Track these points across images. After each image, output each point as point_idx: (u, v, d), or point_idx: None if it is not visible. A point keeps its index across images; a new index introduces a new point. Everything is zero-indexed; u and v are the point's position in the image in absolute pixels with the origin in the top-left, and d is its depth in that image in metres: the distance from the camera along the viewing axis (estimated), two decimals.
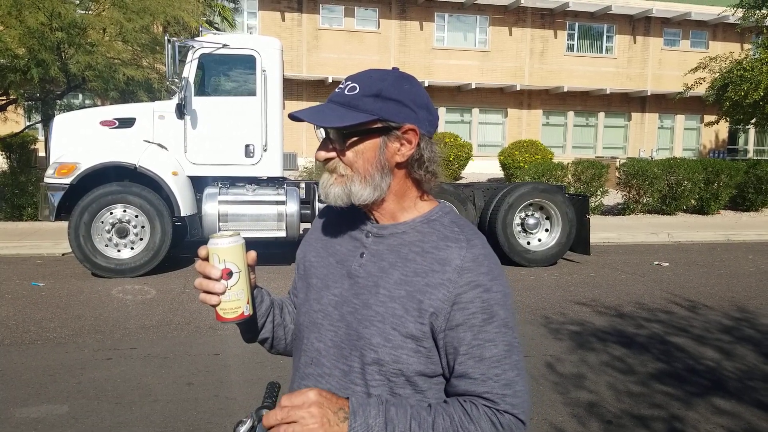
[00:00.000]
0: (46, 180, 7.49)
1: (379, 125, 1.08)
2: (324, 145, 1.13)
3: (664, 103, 25.54)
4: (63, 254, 8.81)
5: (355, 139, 1.09)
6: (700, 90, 19.41)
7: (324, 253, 1.22)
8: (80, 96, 15.90)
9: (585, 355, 4.76)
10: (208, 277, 1.10)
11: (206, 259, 1.12)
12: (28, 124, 15.04)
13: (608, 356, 4.73)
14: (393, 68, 1.17)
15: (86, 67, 10.46)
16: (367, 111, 1.07)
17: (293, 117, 1.13)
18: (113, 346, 4.88)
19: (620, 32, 25.08)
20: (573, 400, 3.89)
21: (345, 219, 1.23)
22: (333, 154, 1.11)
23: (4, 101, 12.53)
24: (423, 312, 1.06)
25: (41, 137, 13.39)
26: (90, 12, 11.43)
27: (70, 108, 13.32)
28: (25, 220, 11.72)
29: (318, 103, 1.17)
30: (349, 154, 1.10)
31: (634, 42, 25.21)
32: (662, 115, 26.07)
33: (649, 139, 25.94)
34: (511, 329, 1.11)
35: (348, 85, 1.11)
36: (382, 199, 1.13)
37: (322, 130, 1.15)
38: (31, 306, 6.05)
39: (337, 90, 1.13)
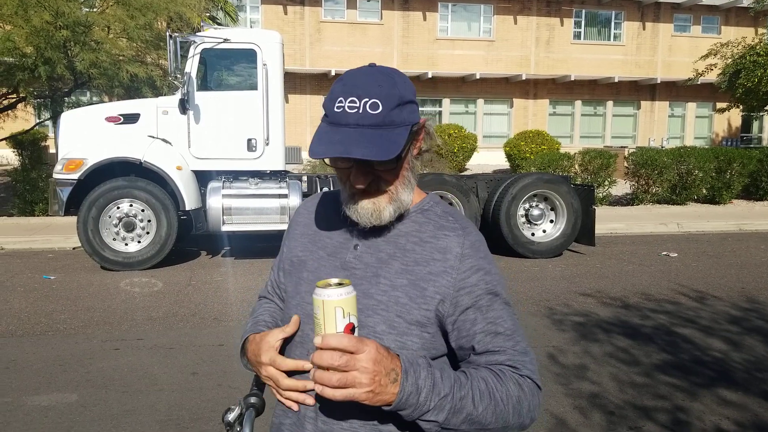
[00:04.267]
0: (55, 176, 7.58)
1: (411, 131, 1.09)
2: (362, 174, 1.08)
3: (674, 91, 25.28)
4: (73, 248, 8.91)
5: (402, 155, 1.09)
6: (712, 76, 19.20)
7: (312, 247, 1.23)
8: (88, 93, 15.98)
9: (588, 346, 4.76)
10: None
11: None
12: (37, 121, 15.15)
13: (612, 347, 4.73)
14: (370, 64, 1.14)
15: (91, 65, 10.52)
16: (402, 123, 1.06)
17: (325, 156, 1.03)
18: (121, 337, 4.95)
19: (629, 19, 24.81)
20: (575, 391, 3.90)
21: (330, 212, 1.24)
22: (372, 176, 1.09)
23: (14, 99, 12.63)
24: (428, 299, 1.10)
25: (52, 134, 13.49)
26: (94, 10, 11.47)
27: (78, 105, 13.40)
28: (37, 216, 11.86)
29: (329, 128, 1.07)
30: (400, 170, 1.11)
31: (644, 28, 24.95)
32: (673, 103, 25.79)
33: (660, 127, 25.70)
34: (511, 306, 1.17)
35: (365, 102, 1.03)
36: None
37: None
38: (43, 298, 6.14)
39: (350, 111, 1.03)
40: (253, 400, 1.24)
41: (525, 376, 1.09)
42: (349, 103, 1.04)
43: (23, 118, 14.25)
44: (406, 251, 1.14)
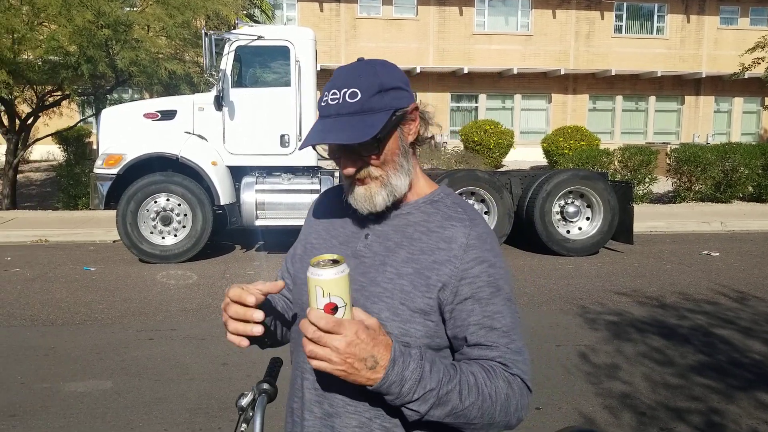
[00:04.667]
0: (95, 170, 7.82)
1: (395, 116, 1.12)
2: (349, 160, 1.13)
3: (720, 86, 24.47)
4: (114, 241, 9.16)
5: (386, 139, 1.13)
6: (759, 70, 18.50)
7: (326, 236, 1.26)
8: (129, 90, 16.41)
9: (621, 345, 4.66)
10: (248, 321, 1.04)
11: (238, 302, 1.06)
12: (81, 118, 15.63)
13: (646, 347, 4.61)
14: (359, 59, 1.18)
15: (131, 63, 10.79)
16: (382, 109, 1.10)
17: (307, 145, 1.10)
18: (155, 327, 5.07)
19: (672, 11, 24.10)
20: (605, 390, 3.82)
21: (346, 203, 1.25)
22: (360, 163, 1.13)
23: (59, 97, 13.05)
24: (431, 287, 1.10)
25: (95, 130, 13.90)
26: (134, 9, 11.76)
27: (121, 101, 13.77)
28: (80, 209, 12.23)
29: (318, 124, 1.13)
30: (381, 155, 1.13)
31: (688, 21, 24.20)
32: (718, 98, 24.96)
33: (705, 123, 24.91)
34: (514, 303, 1.15)
35: (345, 92, 1.09)
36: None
37: (323, 145, 1.17)
38: (83, 289, 6.34)
39: (331, 102, 1.10)
40: (265, 386, 1.27)
41: (515, 375, 1.09)
42: (331, 95, 1.11)
43: (68, 115, 14.71)
44: (413, 240, 1.15)
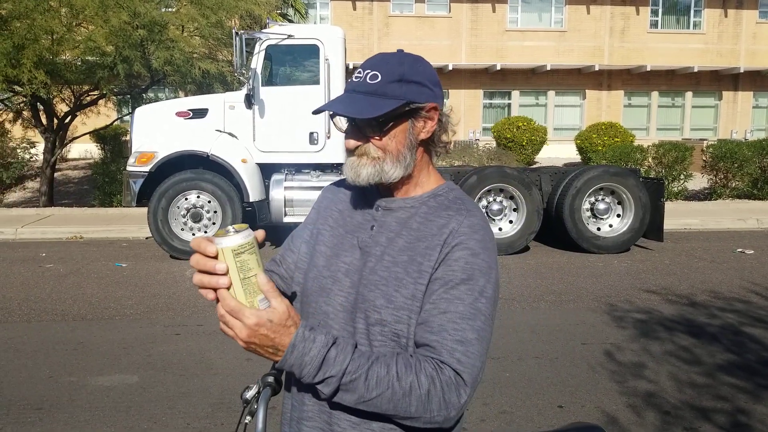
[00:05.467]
0: (128, 168, 8.00)
1: (408, 108, 1.15)
2: (354, 134, 1.18)
3: (759, 81, 23.71)
4: (146, 238, 9.36)
5: (390, 124, 1.15)
6: None
7: (334, 223, 1.28)
8: (165, 89, 16.74)
9: (648, 344, 4.58)
10: (212, 273, 1.00)
11: (212, 256, 1.01)
12: (117, 117, 16.02)
13: (673, 346, 4.53)
14: (398, 50, 1.22)
15: (166, 63, 11.01)
16: (396, 97, 1.13)
17: (321, 110, 1.19)
18: (182, 323, 5.18)
19: (709, 6, 23.45)
20: (630, 389, 3.77)
21: (356, 192, 1.29)
22: (363, 141, 1.17)
23: (96, 96, 13.39)
24: (422, 273, 1.12)
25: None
26: (170, 9, 11.99)
27: (156, 100, 14.07)
28: (115, 206, 12.53)
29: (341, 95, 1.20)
30: (384, 138, 1.16)
31: (725, 16, 23.51)
32: (757, 94, 24.19)
33: (743, 119, 24.18)
34: (487, 300, 1.11)
35: (368, 73, 1.16)
36: (407, 175, 1.20)
37: (342, 118, 1.20)
38: (113, 285, 6.51)
39: (355, 79, 1.17)
40: (270, 379, 1.29)
41: (447, 365, 1.04)
42: (356, 74, 1.19)
43: (105, 114, 15.08)
44: (412, 230, 1.18)
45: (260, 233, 1.06)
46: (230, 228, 1.02)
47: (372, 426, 1.12)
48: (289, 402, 1.26)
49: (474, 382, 1.07)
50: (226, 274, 1.00)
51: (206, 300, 1.07)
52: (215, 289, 1.01)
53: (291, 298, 1.31)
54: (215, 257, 1.00)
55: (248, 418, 1.26)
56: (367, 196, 1.26)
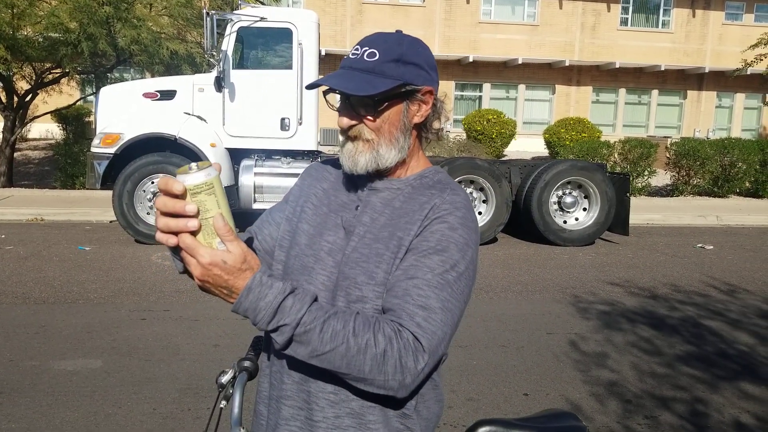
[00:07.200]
0: (93, 149, 7.79)
1: (404, 89, 1.13)
2: (347, 113, 1.14)
3: (723, 81, 24.37)
4: (110, 221, 9.17)
5: (385, 104, 1.13)
6: (762, 67, 18.43)
7: (318, 203, 1.26)
8: (131, 70, 16.34)
9: (611, 334, 4.69)
10: (179, 215, 0.95)
11: (178, 196, 0.95)
12: (80, 96, 15.57)
13: (635, 337, 4.64)
14: (396, 31, 1.19)
15: (133, 42, 10.73)
16: (392, 77, 1.11)
17: (315, 85, 1.14)
18: (148, 308, 5.09)
19: (678, 5, 23.95)
20: (593, 378, 3.85)
21: (342, 172, 1.26)
22: (356, 120, 1.14)
23: (58, 74, 12.98)
24: (401, 247, 1.11)
25: (94, 109, 13.88)
26: None
27: (121, 81, 13.72)
28: (77, 189, 12.22)
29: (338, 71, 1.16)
30: (377, 120, 1.14)
31: (693, 16, 24.05)
32: (721, 94, 24.88)
33: (706, 118, 24.85)
34: (458, 275, 1.09)
35: (365, 50, 1.13)
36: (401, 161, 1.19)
37: (335, 96, 1.18)
38: (76, 268, 6.36)
39: (352, 56, 1.14)
40: (246, 364, 1.28)
41: (406, 329, 1.02)
42: (353, 50, 1.15)
43: (68, 93, 14.66)
44: (395, 209, 1.17)
45: (217, 166, 1.00)
46: (193, 165, 0.97)
47: (351, 405, 1.12)
48: (266, 381, 1.24)
49: (433, 350, 1.03)
50: (196, 216, 0.95)
51: (168, 248, 1.02)
52: (177, 234, 0.96)
53: (254, 247, 1.28)
54: (183, 197, 0.95)
55: (223, 402, 1.24)
56: (353, 176, 1.23)
